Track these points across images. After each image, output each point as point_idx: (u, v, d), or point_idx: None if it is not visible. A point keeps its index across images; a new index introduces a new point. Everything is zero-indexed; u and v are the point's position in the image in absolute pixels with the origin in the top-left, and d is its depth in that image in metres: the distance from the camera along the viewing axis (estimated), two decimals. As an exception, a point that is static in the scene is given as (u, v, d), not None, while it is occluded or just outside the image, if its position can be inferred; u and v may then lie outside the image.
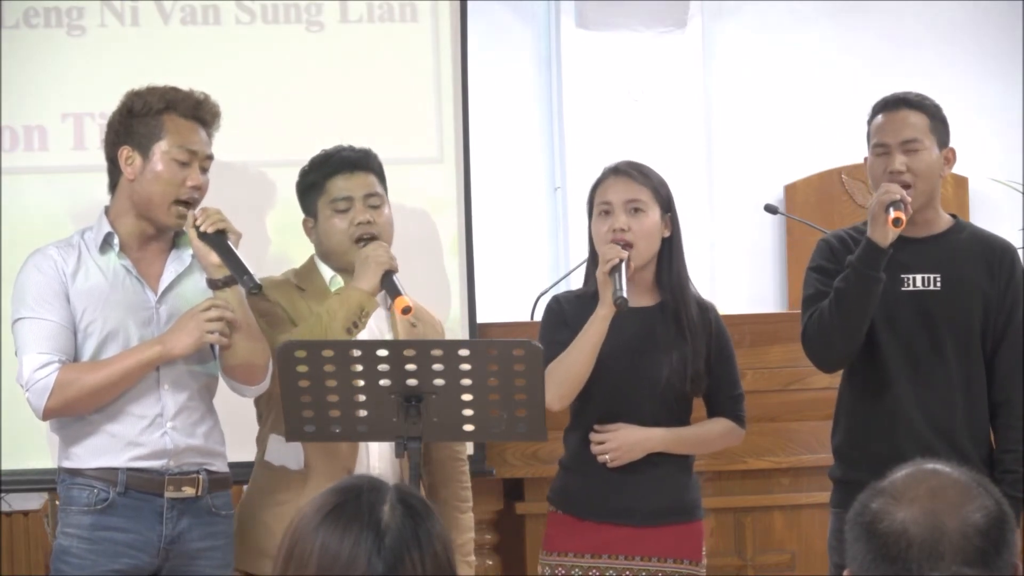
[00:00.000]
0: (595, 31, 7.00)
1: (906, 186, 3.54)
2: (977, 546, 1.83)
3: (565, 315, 3.64)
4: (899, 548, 1.84)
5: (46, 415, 3.39)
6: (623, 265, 3.48)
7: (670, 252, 3.64)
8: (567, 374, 3.51)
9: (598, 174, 3.69)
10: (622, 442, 3.57)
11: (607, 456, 3.57)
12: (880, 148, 3.61)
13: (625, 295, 3.42)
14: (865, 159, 3.69)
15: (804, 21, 7.26)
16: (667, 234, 3.63)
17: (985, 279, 3.60)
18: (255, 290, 3.34)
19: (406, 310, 3.41)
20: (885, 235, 3.44)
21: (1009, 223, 7.00)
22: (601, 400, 3.57)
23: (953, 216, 3.71)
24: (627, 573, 3.56)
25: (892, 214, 3.42)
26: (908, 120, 3.60)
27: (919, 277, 3.60)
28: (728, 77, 7.24)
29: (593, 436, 3.59)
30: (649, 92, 7.05)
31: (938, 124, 3.63)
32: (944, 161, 3.63)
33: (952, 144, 3.67)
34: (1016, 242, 6.71)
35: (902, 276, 3.59)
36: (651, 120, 7.03)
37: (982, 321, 3.59)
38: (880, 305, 3.56)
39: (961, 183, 7.14)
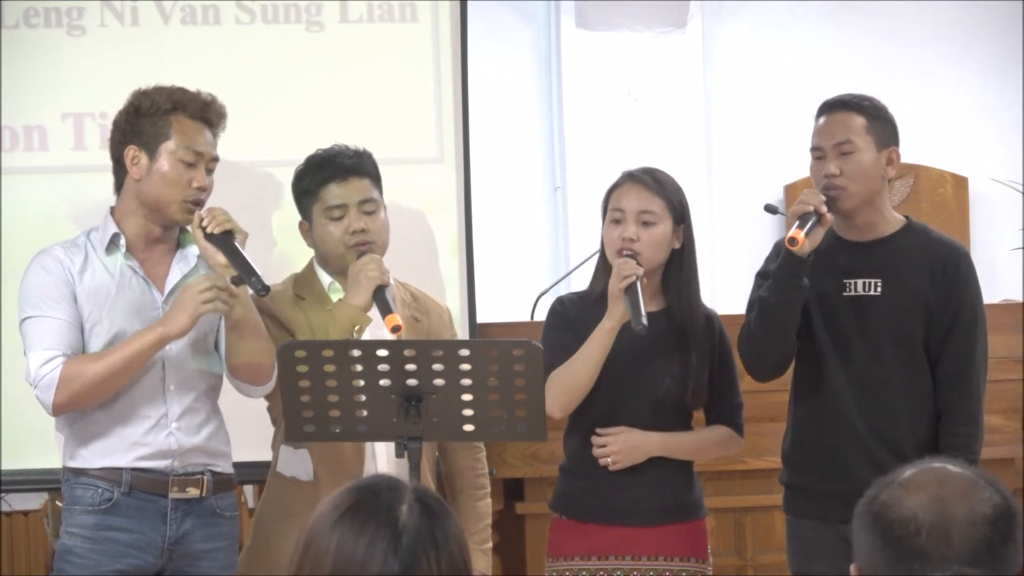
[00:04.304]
0: (595, 31, 7.00)
1: (839, 189, 3.50)
2: (984, 535, 1.85)
3: (568, 318, 3.62)
4: (907, 532, 1.85)
5: (56, 410, 3.37)
6: (639, 283, 3.44)
7: (680, 263, 3.61)
8: (571, 384, 3.50)
9: (615, 176, 3.64)
10: (623, 445, 3.56)
11: (609, 459, 3.57)
12: (816, 152, 3.56)
13: (645, 321, 3.38)
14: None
15: (804, 21, 7.27)
16: (677, 245, 3.60)
17: (927, 284, 3.52)
18: (263, 292, 3.33)
19: (395, 328, 3.40)
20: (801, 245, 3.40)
21: (1009, 223, 7.01)
22: (600, 403, 3.55)
23: (907, 217, 3.64)
24: (635, 573, 3.55)
25: (792, 231, 3.38)
26: (844, 122, 3.53)
27: (860, 282, 3.55)
28: (728, 77, 7.24)
29: (595, 439, 3.58)
30: (649, 92, 7.06)
31: (878, 124, 3.55)
32: (887, 162, 3.55)
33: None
34: (1016, 242, 6.75)
35: (844, 281, 3.55)
36: (651, 120, 7.03)
37: (924, 326, 3.52)
38: (822, 310, 3.53)
39: (961, 183, 7.14)
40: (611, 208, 3.60)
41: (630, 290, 3.44)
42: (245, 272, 3.32)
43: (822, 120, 3.58)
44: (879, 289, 3.54)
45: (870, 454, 3.45)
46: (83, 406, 3.38)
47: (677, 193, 3.62)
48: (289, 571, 1.88)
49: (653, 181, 3.60)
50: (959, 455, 3.42)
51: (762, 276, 3.63)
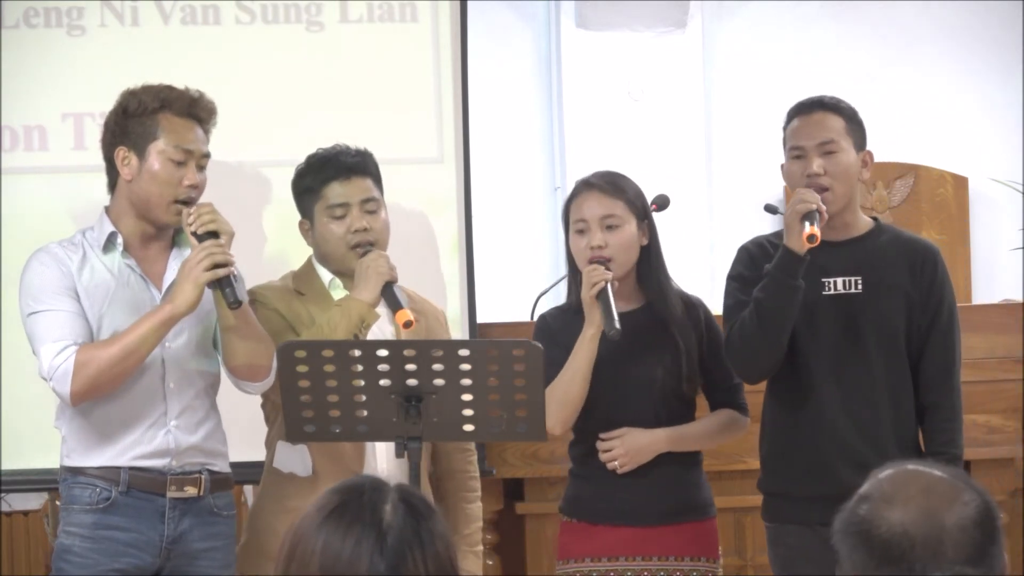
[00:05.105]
0: (595, 31, 7.00)
1: (824, 189, 3.50)
2: (974, 538, 1.85)
3: (554, 332, 3.63)
4: (902, 549, 1.85)
5: (74, 400, 3.34)
6: (609, 287, 3.48)
7: (649, 258, 3.64)
8: (565, 397, 3.51)
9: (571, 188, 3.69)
10: (629, 447, 3.56)
11: (616, 463, 3.56)
12: (796, 151, 3.57)
13: (618, 325, 3.42)
14: (782, 165, 3.64)
15: (804, 21, 7.26)
16: (645, 242, 3.63)
17: (907, 280, 3.55)
18: (234, 304, 3.33)
19: (407, 324, 3.43)
20: (801, 244, 3.40)
21: (1009, 223, 7.01)
22: (601, 408, 3.56)
23: (875, 219, 3.67)
24: (645, 574, 3.55)
25: (808, 230, 3.39)
26: (824, 123, 3.55)
27: (840, 280, 3.55)
28: (728, 77, 7.24)
29: (599, 444, 3.58)
30: (649, 92, 7.05)
31: (855, 126, 3.58)
32: (862, 164, 3.58)
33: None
34: (1016, 242, 6.75)
35: (823, 280, 3.55)
36: (651, 120, 7.03)
37: (906, 323, 3.54)
38: (802, 310, 3.51)
39: (961, 183, 7.13)
40: (573, 219, 3.63)
41: (601, 295, 3.46)
42: (220, 281, 3.32)
43: (799, 121, 3.59)
44: (860, 287, 3.55)
45: (854, 455, 3.44)
46: (100, 392, 3.35)
47: (637, 192, 3.65)
48: (276, 572, 1.89)
49: (610, 185, 3.62)
50: (946, 450, 3.46)
51: (736, 280, 3.63)
